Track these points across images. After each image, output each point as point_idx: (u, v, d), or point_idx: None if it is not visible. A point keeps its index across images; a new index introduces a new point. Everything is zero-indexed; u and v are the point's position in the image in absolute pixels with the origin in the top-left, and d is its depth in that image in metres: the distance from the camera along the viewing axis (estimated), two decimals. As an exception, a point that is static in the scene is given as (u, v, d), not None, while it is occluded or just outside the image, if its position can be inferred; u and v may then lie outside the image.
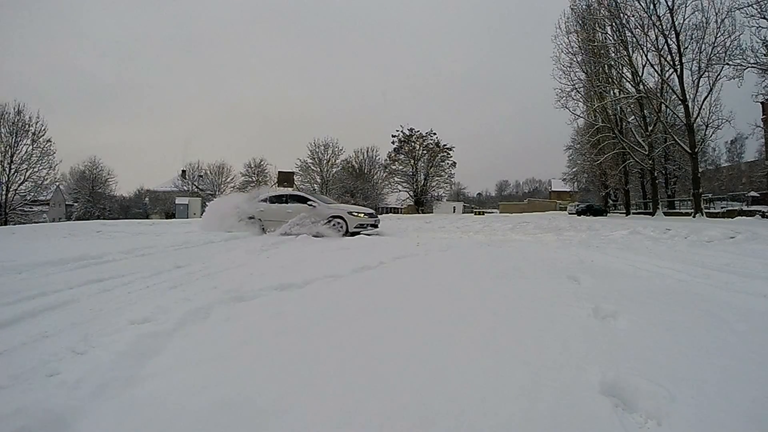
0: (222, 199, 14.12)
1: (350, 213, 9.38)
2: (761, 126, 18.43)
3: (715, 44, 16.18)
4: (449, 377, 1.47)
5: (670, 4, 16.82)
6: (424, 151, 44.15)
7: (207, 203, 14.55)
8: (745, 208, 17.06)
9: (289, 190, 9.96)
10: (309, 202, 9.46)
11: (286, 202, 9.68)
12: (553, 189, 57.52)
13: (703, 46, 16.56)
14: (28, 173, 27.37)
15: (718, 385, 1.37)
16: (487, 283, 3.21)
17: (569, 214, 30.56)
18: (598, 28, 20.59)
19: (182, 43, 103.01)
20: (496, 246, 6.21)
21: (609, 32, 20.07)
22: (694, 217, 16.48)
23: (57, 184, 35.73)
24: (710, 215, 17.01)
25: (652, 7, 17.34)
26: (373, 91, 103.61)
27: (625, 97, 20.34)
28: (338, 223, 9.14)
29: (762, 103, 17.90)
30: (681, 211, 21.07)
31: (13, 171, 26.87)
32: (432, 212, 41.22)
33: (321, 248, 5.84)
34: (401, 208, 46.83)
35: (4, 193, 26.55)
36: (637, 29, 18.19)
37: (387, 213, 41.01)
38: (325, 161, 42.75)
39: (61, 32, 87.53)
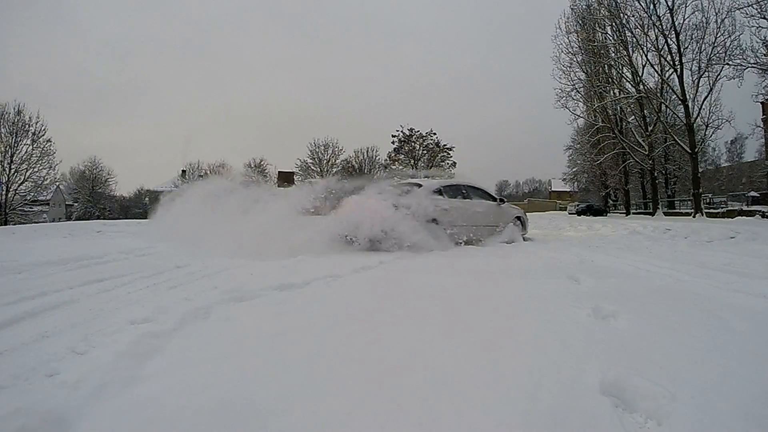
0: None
1: (525, 213, 7.75)
2: (761, 126, 18.46)
3: (715, 44, 16.23)
4: (449, 377, 1.46)
5: (670, 4, 16.86)
6: (424, 151, 44.04)
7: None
8: (745, 208, 17.07)
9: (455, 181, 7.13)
10: (500, 199, 7.17)
11: (469, 197, 6.60)
12: (553, 189, 57.52)
13: (703, 46, 16.62)
14: (28, 173, 27.39)
15: (718, 385, 1.37)
16: (487, 283, 3.22)
17: (569, 214, 30.57)
18: (598, 28, 20.62)
19: (182, 43, 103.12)
20: (495, 245, 6.21)
21: (609, 32, 20.10)
22: (694, 217, 16.49)
23: (57, 184, 35.67)
24: (710, 215, 17.01)
25: (652, 7, 17.38)
26: (374, 90, 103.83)
27: (625, 97, 20.35)
28: (518, 224, 7.32)
29: (762, 103, 17.91)
30: (681, 211, 21.07)
31: (13, 171, 26.87)
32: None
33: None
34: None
35: (4, 193, 26.53)
36: (637, 29, 18.23)
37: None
38: (325, 161, 42.75)
39: (61, 32, 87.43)
